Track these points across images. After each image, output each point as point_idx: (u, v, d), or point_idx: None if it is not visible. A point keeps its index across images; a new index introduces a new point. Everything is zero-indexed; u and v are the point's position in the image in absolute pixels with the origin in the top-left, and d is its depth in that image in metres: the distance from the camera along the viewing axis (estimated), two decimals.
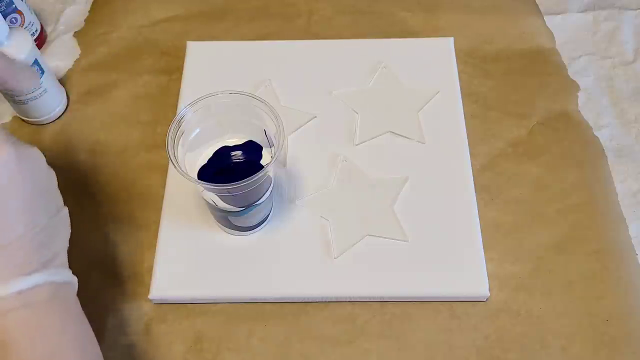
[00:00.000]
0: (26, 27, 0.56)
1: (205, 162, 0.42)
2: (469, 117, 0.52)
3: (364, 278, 0.45)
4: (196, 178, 0.41)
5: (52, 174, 0.36)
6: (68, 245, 0.36)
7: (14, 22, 0.55)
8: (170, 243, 0.46)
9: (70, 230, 0.36)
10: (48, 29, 0.60)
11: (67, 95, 0.55)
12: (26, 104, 0.51)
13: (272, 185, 0.44)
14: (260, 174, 0.39)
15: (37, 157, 0.34)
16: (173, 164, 0.38)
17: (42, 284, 0.33)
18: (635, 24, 0.59)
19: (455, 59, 0.55)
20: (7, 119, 0.54)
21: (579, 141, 0.52)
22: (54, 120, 0.54)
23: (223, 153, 0.43)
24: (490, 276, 0.45)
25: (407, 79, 0.54)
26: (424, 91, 0.53)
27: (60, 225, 0.35)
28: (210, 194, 0.41)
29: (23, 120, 0.54)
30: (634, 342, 0.43)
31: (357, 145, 0.51)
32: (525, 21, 0.59)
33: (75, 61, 0.58)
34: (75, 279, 0.36)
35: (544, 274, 0.46)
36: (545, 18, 0.60)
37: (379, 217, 0.47)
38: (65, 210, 0.36)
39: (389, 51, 0.56)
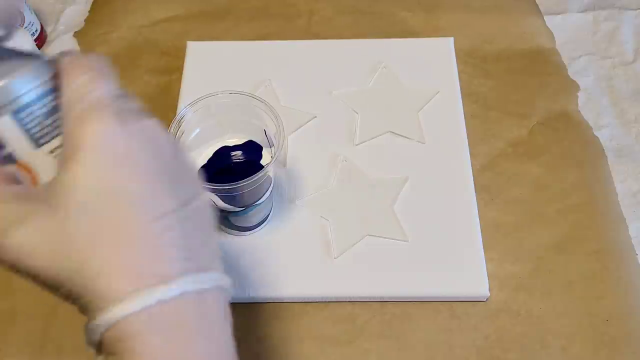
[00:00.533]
0: (26, 27, 0.56)
1: (205, 162, 0.42)
2: (469, 117, 0.52)
3: (364, 278, 0.45)
4: None
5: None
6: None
7: None
8: None
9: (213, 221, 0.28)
10: (48, 29, 0.60)
11: None
12: None
13: (272, 185, 0.44)
14: (260, 174, 0.39)
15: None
16: None
17: (189, 291, 0.24)
18: (635, 24, 0.59)
19: (455, 59, 0.55)
20: None
21: (579, 141, 0.52)
22: None
23: (223, 153, 0.43)
24: (490, 276, 0.45)
25: (407, 79, 0.54)
26: (424, 91, 0.53)
27: (203, 212, 0.27)
28: (210, 194, 0.41)
29: None
30: (634, 342, 0.43)
31: (357, 145, 0.51)
32: (525, 21, 0.59)
33: None
34: (229, 282, 0.27)
35: (544, 274, 0.46)
36: (546, 18, 0.60)
37: (379, 217, 0.47)
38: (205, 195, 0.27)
39: (389, 51, 0.56)
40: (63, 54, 0.26)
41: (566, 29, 0.59)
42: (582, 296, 0.45)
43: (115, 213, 0.24)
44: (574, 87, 0.55)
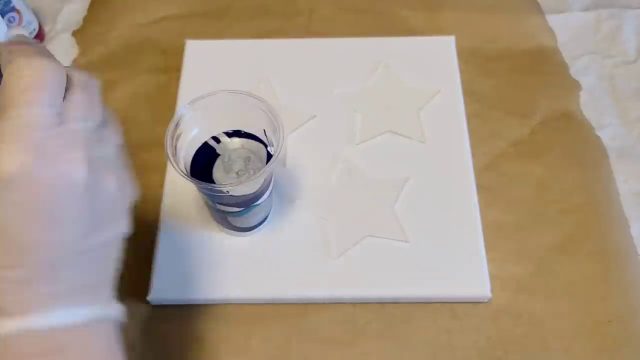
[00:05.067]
0: (24, 26, 0.56)
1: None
2: (470, 116, 0.52)
3: (364, 279, 0.45)
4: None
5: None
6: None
7: (12, 21, 0.55)
8: (169, 244, 0.46)
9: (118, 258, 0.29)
10: (46, 28, 0.60)
11: None
12: None
13: (271, 185, 0.43)
14: (259, 174, 0.38)
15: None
16: (172, 163, 0.38)
17: (89, 319, 0.26)
18: (637, 23, 0.59)
19: (456, 58, 0.55)
20: None
21: (580, 141, 0.52)
22: None
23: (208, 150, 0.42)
24: (491, 277, 0.45)
25: (408, 78, 0.54)
26: (425, 90, 0.53)
27: (112, 250, 0.28)
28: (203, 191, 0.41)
29: None
30: (636, 343, 0.43)
31: (357, 144, 0.50)
32: (527, 20, 0.59)
33: (73, 60, 0.57)
34: (122, 311, 0.29)
35: (545, 275, 0.45)
36: (547, 17, 0.59)
37: (379, 217, 0.47)
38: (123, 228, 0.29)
39: (390, 50, 0.55)
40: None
41: (568, 28, 0.59)
42: (584, 297, 0.45)
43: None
44: (575, 86, 0.55)
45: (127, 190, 0.29)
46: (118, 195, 0.27)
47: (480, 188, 0.48)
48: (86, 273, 0.27)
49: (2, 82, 0.25)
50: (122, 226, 0.28)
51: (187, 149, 0.41)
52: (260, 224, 0.46)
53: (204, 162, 0.41)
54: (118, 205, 0.28)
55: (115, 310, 0.28)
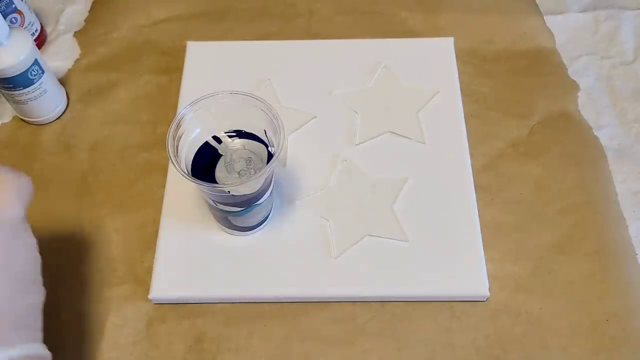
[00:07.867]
0: (26, 27, 0.56)
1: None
2: (469, 117, 0.52)
3: (364, 278, 0.45)
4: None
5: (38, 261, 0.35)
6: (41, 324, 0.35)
7: (14, 22, 0.55)
8: (170, 243, 0.46)
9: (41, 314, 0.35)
10: (48, 29, 0.60)
11: (67, 95, 0.55)
12: (26, 104, 0.51)
13: (272, 185, 0.44)
14: (260, 174, 0.39)
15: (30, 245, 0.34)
16: (173, 164, 0.38)
17: (17, 357, 0.31)
18: (635, 24, 0.59)
19: (455, 59, 0.55)
20: (7, 119, 0.54)
21: (579, 141, 0.52)
22: (54, 120, 0.54)
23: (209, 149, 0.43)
24: (490, 276, 0.45)
25: (407, 79, 0.54)
26: (424, 91, 0.53)
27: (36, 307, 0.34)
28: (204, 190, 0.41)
29: (23, 120, 0.54)
30: (634, 342, 0.43)
31: (357, 145, 0.51)
32: (525, 21, 0.59)
33: (75, 61, 0.58)
34: (49, 354, 0.34)
35: (544, 274, 0.46)
36: (545, 18, 0.60)
37: (379, 217, 0.47)
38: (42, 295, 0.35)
39: (389, 51, 0.56)
40: None
41: (566, 29, 0.59)
42: (582, 296, 0.45)
43: None
44: (574, 87, 0.55)
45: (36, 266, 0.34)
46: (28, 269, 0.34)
47: (479, 188, 0.49)
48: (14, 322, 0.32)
49: None
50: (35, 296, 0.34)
51: (188, 149, 0.41)
52: (260, 223, 0.46)
53: (204, 162, 0.41)
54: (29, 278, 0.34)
55: (43, 351, 0.33)
